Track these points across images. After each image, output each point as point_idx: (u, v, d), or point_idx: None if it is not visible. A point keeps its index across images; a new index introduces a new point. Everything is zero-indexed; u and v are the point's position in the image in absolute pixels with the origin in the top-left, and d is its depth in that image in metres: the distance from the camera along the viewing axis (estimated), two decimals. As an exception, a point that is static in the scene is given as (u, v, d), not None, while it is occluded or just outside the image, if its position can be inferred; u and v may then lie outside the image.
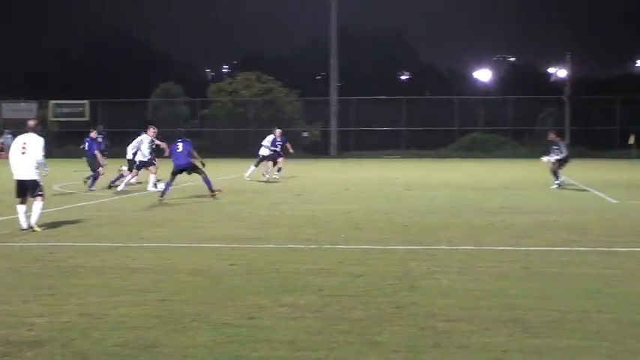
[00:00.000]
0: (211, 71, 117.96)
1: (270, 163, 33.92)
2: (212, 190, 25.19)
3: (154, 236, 16.20)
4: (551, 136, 29.98)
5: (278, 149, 33.99)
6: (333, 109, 72.90)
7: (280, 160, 34.27)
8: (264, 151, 33.84)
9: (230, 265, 12.60)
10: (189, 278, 11.50)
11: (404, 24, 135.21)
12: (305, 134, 70.44)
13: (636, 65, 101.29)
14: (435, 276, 11.64)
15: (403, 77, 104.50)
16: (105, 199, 25.15)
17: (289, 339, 8.29)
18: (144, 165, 29.02)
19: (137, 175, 29.37)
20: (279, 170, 34.25)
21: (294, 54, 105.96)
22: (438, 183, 32.61)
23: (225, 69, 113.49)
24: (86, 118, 72.47)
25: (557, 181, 29.01)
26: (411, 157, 65.06)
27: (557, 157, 29.14)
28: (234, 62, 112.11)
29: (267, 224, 18.22)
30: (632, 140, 62.02)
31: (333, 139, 72.42)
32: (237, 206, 22.80)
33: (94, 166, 29.30)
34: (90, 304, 9.79)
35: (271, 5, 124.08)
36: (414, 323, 8.87)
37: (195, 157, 25.10)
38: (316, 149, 69.29)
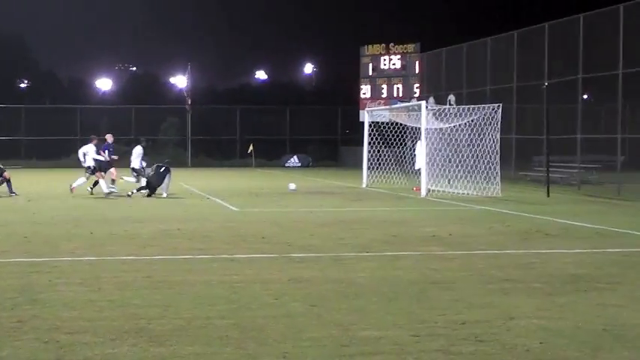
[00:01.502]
0: None
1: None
2: None
3: None
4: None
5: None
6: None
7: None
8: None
9: None
10: None
11: (22, 29, 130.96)
12: None
13: (255, 77, 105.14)
14: (57, 288, 11.41)
15: (22, 85, 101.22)
16: None
17: None
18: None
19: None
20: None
21: None
22: (61, 193, 31.91)
23: None
24: None
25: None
26: (33, 168, 63.18)
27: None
28: None
29: None
30: (251, 149, 64.21)
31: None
32: None
33: None
34: None
35: None
36: (36, 337, 8.64)
37: None
38: None
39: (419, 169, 32.81)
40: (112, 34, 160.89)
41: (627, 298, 10.87)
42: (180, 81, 77.57)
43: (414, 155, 34.94)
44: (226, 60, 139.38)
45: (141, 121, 69.17)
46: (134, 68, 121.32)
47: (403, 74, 56.60)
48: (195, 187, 36.02)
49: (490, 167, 31.36)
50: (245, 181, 42.46)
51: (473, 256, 14.80)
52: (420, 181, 31.89)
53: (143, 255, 14.70)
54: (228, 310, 9.99)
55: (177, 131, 69.57)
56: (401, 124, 38.27)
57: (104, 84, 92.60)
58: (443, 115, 33.72)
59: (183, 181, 39.72)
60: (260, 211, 24.45)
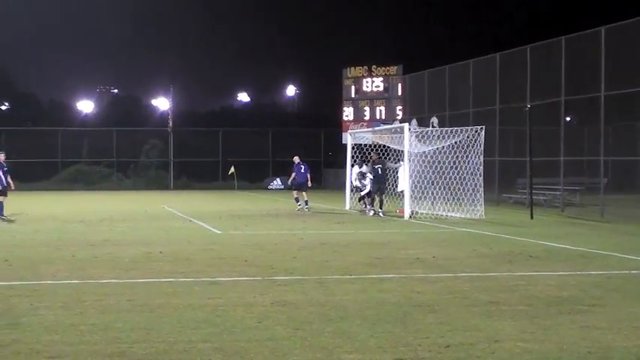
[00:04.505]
0: None
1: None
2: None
3: None
4: None
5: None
6: None
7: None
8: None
9: None
10: None
11: (2, 51, 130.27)
12: None
13: (237, 99, 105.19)
14: (38, 312, 11.29)
15: (3, 107, 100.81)
16: None
17: None
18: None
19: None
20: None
21: None
22: (42, 216, 31.78)
23: None
24: None
25: None
26: (13, 190, 62.86)
27: None
28: None
29: None
30: (232, 171, 64.08)
31: None
32: None
33: None
34: None
35: None
36: (16, 362, 8.54)
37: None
38: None
39: (402, 191, 32.76)
40: (93, 56, 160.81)
41: (611, 321, 10.84)
42: (162, 103, 77.51)
43: (397, 177, 34.88)
44: (208, 82, 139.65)
45: (123, 144, 69.12)
46: (115, 90, 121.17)
47: (386, 96, 56.80)
48: (177, 209, 35.87)
49: (473, 189, 31.40)
50: (227, 204, 42.34)
51: (457, 279, 14.75)
52: (403, 204, 31.85)
53: (125, 278, 14.59)
54: (211, 334, 9.91)
55: (159, 153, 69.40)
56: (384, 146, 38.24)
57: (85, 106, 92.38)
58: (426, 137, 33.74)
59: (165, 203, 39.59)
60: (242, 234, 24.36)
